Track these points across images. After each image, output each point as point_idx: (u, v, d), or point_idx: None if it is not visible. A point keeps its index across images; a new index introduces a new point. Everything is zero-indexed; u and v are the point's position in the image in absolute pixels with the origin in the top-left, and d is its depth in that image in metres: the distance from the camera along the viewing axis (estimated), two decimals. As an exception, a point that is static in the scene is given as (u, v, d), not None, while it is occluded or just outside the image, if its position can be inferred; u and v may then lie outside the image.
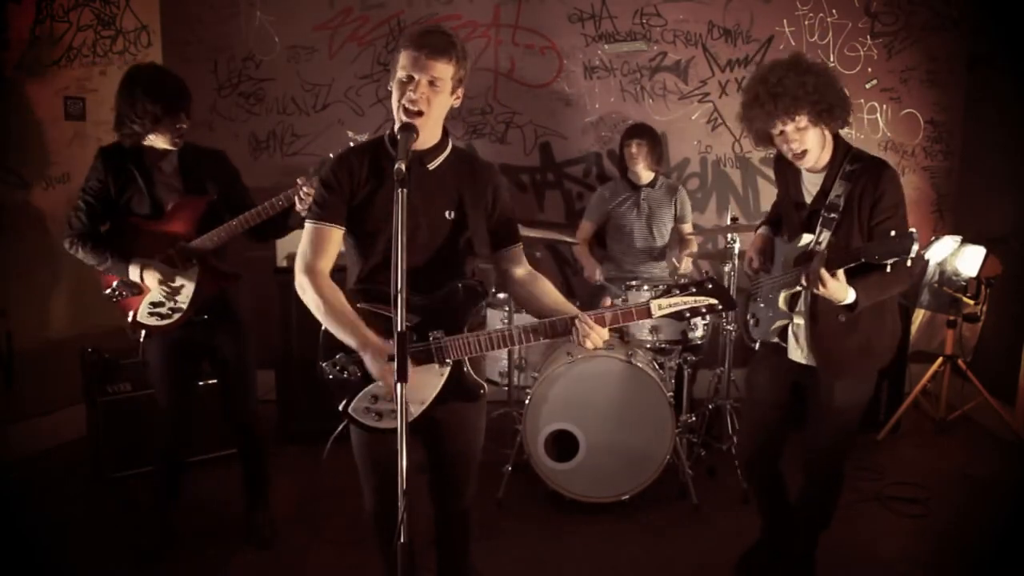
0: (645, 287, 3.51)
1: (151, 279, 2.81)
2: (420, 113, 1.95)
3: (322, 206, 2.04)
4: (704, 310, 1.93)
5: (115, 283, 2.90)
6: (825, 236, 2.40)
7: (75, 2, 4.15)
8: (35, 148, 3.98)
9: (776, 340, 2.61)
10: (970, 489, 3.61)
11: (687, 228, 4.26)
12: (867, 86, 4.65)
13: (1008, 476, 3.73)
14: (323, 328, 2.02)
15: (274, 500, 3.49)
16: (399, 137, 1.91)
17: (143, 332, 2.89)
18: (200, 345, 2.99)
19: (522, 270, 2.17)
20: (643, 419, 3.29)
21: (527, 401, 3.35)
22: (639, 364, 3.31)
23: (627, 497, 3.31)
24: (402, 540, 1.65)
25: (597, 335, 1.93)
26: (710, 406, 3.92)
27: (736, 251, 3.66)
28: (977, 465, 3.85)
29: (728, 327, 3.77)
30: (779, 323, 2.56)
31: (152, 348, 2.95)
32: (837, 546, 2.88)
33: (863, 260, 2.22)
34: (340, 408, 2.06)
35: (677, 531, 3.21)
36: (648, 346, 3.50)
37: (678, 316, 1.95)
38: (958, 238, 4.21)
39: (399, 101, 1.96)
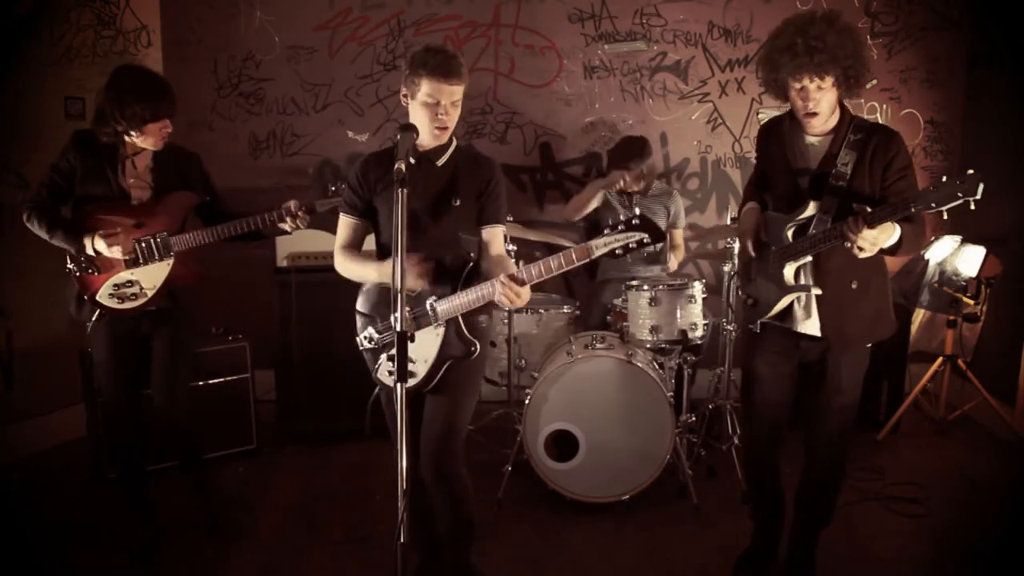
0: (645, 287, 3.50)
1: (115, 252, 2.78)
2: (448, 128, 2.37)
3: (349, 203, 2.48)
4: (634, 245, 2.08)
5: (83, 256, 2.86)
6: (832, 203, 2.38)
7: (75, 2, 4.15)
8: (35, 148, 3.97)
9: (776, 323, 2.58)
10: (970, 489, 3.61)
11: (678, 234, 4.25)
12: (867, 86, 4.63)
13: (1008, 476, 3.73)
14: (356, 310, 2.45)
15: (274, 500, 3.50)
16: (399, 137, 2.14)
17: (96, 313, 2.87)
18: (145, 337, 2.96)
19: (497, 251, 2.44)
20: (643, 419, 3.29)
21: (527, 401, 3.35)
22: (639, 364, 3.31)
23: (627, 497, 3.31)
24: (402, 540, 1.67)
25: (514, 293, 2.14)
26: (710, 406, 3.91)
27: (736, 251, 3.66)
28: (977, 465, 3.85)
29: (728, 327, 3.77)
30: (786, 298, 2.52)
31: (98, 340, 2.91)
32: (837, 546, 2.88)
33: (913, 210, 2.14)
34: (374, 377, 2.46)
35: (677, 531, 3.21)
36: (648, 346, 3.49)
37: (611, 254, 2.09)
38: (958, 238, 4.21)
39: (430, 122, 2.32)
